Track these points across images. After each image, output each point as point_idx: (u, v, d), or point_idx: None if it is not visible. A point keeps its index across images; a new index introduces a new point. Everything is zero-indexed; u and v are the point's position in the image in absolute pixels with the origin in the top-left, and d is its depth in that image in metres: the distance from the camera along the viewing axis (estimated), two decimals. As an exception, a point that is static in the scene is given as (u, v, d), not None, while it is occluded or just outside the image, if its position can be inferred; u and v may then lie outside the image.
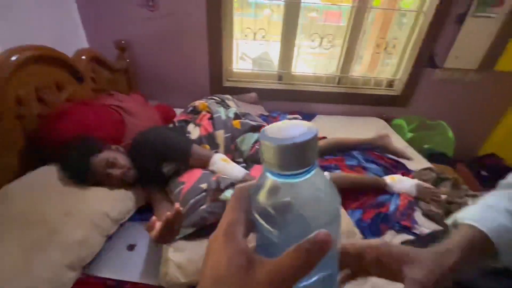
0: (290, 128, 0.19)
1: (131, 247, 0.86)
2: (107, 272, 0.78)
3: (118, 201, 0.94)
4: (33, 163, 0.99)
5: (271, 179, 0.19)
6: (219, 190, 0.87)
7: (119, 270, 0.79)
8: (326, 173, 1.16)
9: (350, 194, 1.17)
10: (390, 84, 2.00)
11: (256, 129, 1.22)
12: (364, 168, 1.37)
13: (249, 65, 2.00)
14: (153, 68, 1.84)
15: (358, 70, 2.00)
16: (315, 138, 0.18)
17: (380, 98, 1.99)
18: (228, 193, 0.87)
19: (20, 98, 0.95)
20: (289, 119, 1.82)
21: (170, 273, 0.75)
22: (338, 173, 1.20)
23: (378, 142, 1.53)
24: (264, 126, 1.24)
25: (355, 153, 1.48)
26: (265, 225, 0.19)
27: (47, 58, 1.06)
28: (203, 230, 0.85)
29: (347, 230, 0.92)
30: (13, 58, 0.90)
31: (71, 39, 1.55)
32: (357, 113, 2.00)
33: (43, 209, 0.79)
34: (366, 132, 1.76)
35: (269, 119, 1.59)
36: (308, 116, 1.92)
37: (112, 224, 0.88)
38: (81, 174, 0.92)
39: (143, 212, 1.01)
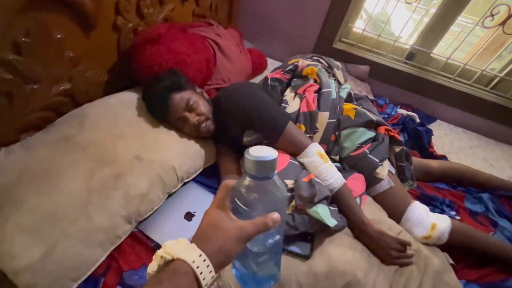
0: (264, 151, 0.33)
1: (189, 216, 0.76)
2: (159, 237, 0.69)
3: (188, 157, 0.81)
4: (121, 82, 0.91)
5: (248, 178, 0.34)
6: (311, 201, 0.65)
7: (171, 239, 0.69)
8: (445, 217, 0.82)
9: (465, 255, 0.84)
10: None
11: (372, 125, 0.90)
12: (493, 224, 0.98)
13: (366, 26, 1.51)
14: (257, 4, 1.54)
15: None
16: (275, 160, 0.32)
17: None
18: (321, 209, 0.65)
19: (119, 5, 0.81)
20: (402, 114, 1.41)
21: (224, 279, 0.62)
22: (461, 223, 0.86)
23: (527, 193, 1.06)
24: (386, 126, 0.91)
25: (484, 195, 1.06)
26: (241, 205, 0.34)
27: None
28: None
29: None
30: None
31: None
32: (496, 136, 1.44)
33: (118, 146, 0.70)
34: (503, 167, 1.26)
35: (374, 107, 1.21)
36: (425, 118, 1.46)
37: (177, 182, 0.77)
38: (160, 109, 0.80)
39: (205, 173, 0.88)
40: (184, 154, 0.81)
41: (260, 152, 0.32)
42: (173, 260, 0.29)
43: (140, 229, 0.70)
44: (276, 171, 0.33)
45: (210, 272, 0.29)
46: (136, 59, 0.87)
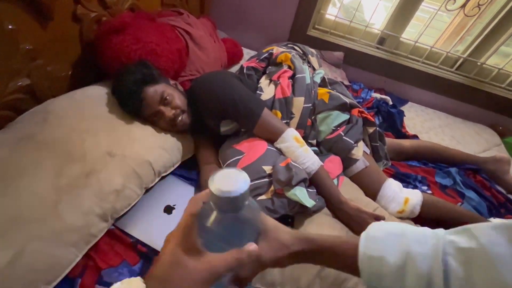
0: (233, 179, 0.26)
1: (169, 209, 0.74)
2: (138, 232, 0.67)
3: (165, 151, 0.79)
4: (88, 76, 0.87)
5: (215, 210, 0.27)
6: (289, 184, 0.66)
7: (152, 234, 0.68)
8: (417, 192, 0.87)
9: (436, 226, 0.90)
10: (533, 89, 1.44)
11: (346, 108, 0.92)
12: (460, 195, 1.05)
13: (338, 13, 1.53)
14: (231, -9, 1.51)
15: (493, 60, 1.44)
16: (246, 193, 0.26)
17: (507, 103, 1.47)
18: (299, 191, 0.66)
19: (78, -7, 0.76)
20: (376, 98, 1.45)
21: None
22: (431, 197, 0.91)
23: (490, 165, 1.14)
24: (359, 108, 0.93)
25: (452, 170, 1.13)
26: (211, 236, 0.28)
27: None
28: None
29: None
30: None
31: None
32: (462, 115, 1.53)
33: (87, 142, 0.67)
34: (469, 143, 1.35)
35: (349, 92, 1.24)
36: (398, 101, 1.52)
37: (154, 177, 0.75)
38: (133, 104, 0.77)
39: (185, 166, 0.87)
40: (160, 148, 0.79)
41: (228, 180, 0.26)
42: None
43: (118, 226, 0.68)
44: (247, 201, 0.28)
45: None
46: (101, 50, 0.82)
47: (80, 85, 0.84)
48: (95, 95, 0.79)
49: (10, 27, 0.63)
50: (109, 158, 0.68)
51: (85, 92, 0.79)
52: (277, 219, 0.70)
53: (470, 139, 1.37)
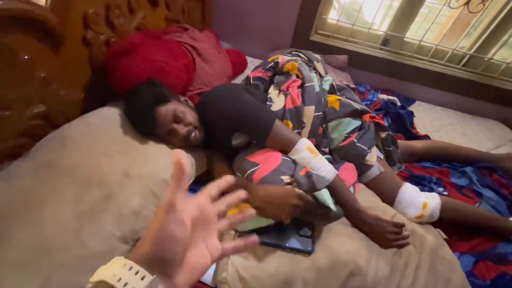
0: None
1: (186, 227, 0.74)
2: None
3: (179, 168, 0.79)
4: (100, 98, 0.88)
5: None
6: (313, 190, 0.66)
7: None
8: (435, 195, 0.86)
9: (456, 229, 0.88)
10: (543, 81, 1.42)
11: (357, 114, 0.92)
12: (478, 195, 1.03)
13: (340, 16, 1.53)
14: (231, 3, 1.52)
15: (501, 54, 1.42)
16: None
17: (516, 97, 1.45)
18: (325, 192, 0.66)
19: (87, 18, 0.78)
20: (384, 99, 1.44)
21: (229, 281, 0.61)
22: (450, 199, 0.89)
23: (505, 162, 1.12)
24: (370, 113, 0.93)
25: (467, 169, 1.11)
26: None
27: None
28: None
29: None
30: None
31: None
32: (473, 111, 1.51)
33: (104, 166, 0.67)
34: (481, 140, 1.33)
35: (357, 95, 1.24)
36: (405, 101, 1.50)
37: (170, 195, 0.75)
38: (146, 125, 0.78)
39: (200, 183, 0.87)
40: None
41: None
42: None
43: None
44: None
45: (143, 278, 0.24)
46: (111, 72, 0.84)
47: (92, 107, 0.85)
48: (109, 117, 0.80)
49: (25, 57, 0.64)
50: (126, 179, 0.68)
51: (98, 114, 0.80)
52: (296, 232, 0.70)
53: (482, 136, 1.35)
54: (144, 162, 0.73)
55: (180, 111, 0.81)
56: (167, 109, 0.79)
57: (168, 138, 0.82)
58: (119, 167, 0.69)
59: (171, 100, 0.82)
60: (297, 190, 0.67)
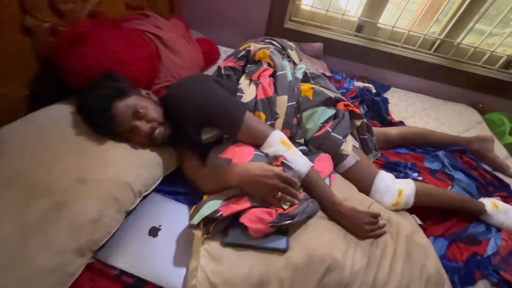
0: None
1: (154, 232, 0.69)
2: (122, 262, 0.62)
3: (143, 168, 0.73)
4: (52, 95, 0.78)
5: None
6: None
7: (137, 262, 0.62)
8: (409, 181, 0.86)
9: (430, 213, 0.90)
10: (509, 64, 1.47)
11: (331, 103, 0.89)
12: (450, 178, 1.05)
13: (314, 2, 1.49)
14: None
15: (469, 39, 1.45)
16: None
17: (484, 80, 1.49)
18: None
19: (25, 2, 0.68)
20: (359, 87, 1.44)
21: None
22: (423, 184, 0.90)
23: (474, 144, 1.15)
24: (344, 101, 0.90)
25: (439, 153, 1.13)
26: None
27: None
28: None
29: (435, 273, 0.68)
30: None
31: None
32: (443, 95, 1.55)
33: (54, 171, 0.60)
34: (453, 124, 1.36)
35: (331, 83, 1.21)
36: (381, 87, 1.51)
37: (134, 198, 0.69)
38: (103, 123, 0.70)
39: (168, 181, 0.81)
40: (138, 165, 0.72)
41: None
42: None
43: (99, 258, 0.62)
44: None
45: None
46: (61, 65, 0.74)
47: (42, 105, 0.76)
48: (59, 116, 0.72)
49: None
50: (81, 185, 0.61)
51: (46, 113, 0.71)
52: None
53: (453, 120, 1.39)
54: (102, 165, 0.66)
55: (141, 106, 0.74)
56: (126, 104, 0.72)
57: (129, 136, 0.75)
58: (72, 172, 0.62)
59: (131, 94, 0.74)
60: (277, 170, 0.64)
